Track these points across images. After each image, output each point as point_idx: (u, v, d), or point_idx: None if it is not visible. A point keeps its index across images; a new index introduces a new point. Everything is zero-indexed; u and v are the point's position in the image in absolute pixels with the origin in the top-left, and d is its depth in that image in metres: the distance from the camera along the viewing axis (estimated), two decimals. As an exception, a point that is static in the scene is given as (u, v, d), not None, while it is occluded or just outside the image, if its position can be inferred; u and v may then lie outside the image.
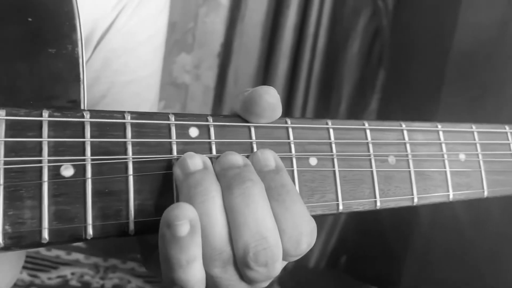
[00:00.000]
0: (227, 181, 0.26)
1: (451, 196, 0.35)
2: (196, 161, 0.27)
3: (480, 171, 0.37)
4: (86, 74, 0.47)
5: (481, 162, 0.37)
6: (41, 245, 0.25)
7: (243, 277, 0.27)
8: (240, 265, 0.26)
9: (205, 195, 0.25)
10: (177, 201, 0.27)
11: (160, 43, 0.54)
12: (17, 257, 0.52)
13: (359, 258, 1.44)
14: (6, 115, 0.25)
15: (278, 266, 0.27)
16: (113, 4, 0.46)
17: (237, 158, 0.28)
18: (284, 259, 0.27)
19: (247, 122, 0.30)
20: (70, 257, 1.29)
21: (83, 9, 0.30)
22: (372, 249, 1.35)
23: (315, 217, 0.30)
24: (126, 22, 0.48)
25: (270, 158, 0.29)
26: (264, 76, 1.50)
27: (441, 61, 1.10)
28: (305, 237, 0.27)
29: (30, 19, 0.28)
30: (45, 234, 0.25)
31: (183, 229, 0.24)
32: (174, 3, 0.56)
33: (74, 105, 0.28)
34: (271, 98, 0.29)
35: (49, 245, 0.25)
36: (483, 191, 0.37)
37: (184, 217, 0.24)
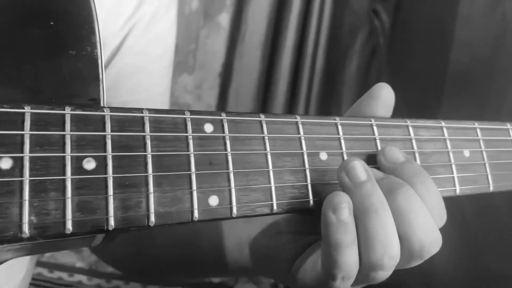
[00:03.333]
0: (387, 186, 0.30)
1: (458, 191, 0.36)
2: (362, 170, 0.30)
3: (485, 166, 0.38)
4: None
5: (486, 158, 0.38)
6: (64, 235, 0.25)
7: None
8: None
9: (379, 206, 0.29)
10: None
11: (169, 61, 0.56)
12: (25, 271, 0.52)
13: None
14: (31, 110, 0.26)
15: None
16: (121, 24, 0.48)
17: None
18: None
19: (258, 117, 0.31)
20: (73, 279, 1.28)
21: None
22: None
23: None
24: (137, 41, 0.49)
25: (397, 152, 0.34)
26: (265, 95, 1.52)
27: (438, 78, 1.12)
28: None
29: (52, 23, 0.29)
30: (69, 225, 0.25)
31: (345, 212, 0.28)
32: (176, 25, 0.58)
33: (94, 103, 0.29)
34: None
35: (72, 235, 0.26)
36: (489, 186, 0.38)
37: (344, 202, 0.29)
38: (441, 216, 0.32)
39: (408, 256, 0.30)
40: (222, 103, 1.50)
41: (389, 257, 0.29)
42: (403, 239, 0.29)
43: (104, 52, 0.47)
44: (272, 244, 0.39)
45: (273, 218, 0.41)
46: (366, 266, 0.29)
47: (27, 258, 0.48)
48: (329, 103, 1.52)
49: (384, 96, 0.36)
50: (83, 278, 1.27)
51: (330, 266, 0.30)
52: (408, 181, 0.31)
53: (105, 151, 0.27)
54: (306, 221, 0.36)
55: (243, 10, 1.45)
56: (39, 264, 1.26)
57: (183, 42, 1.46)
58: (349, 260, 0.29)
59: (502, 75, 0.97)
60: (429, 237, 0.29)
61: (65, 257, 1.31)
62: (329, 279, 0.30)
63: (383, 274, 0.30)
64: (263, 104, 1.51)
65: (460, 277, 0.91)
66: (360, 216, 0.29)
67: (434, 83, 1.14)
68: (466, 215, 0.88)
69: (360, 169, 0.30)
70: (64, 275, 1.27)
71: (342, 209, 0.28)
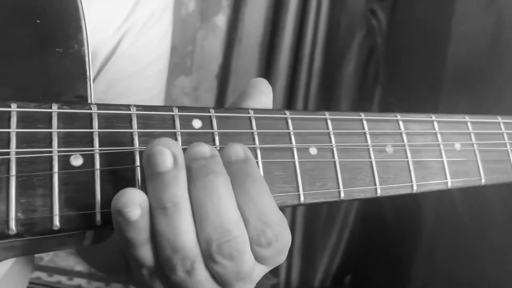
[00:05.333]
0: (191, 173, 0.26)
1: (449, 184, 0.36)
2: (166, 159, 0.26)
3: (476, 159, 0.38)
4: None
5: (477, 151, 0.38)
6: (52, 231, 0.25)
7: (214, 277, 0.27)
8: (206, 260, 0.26)
9: (170, 205, 0.25)
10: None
11: (164, 66, 0.55)
12: (22, 278, 0.52)
13: (363, 276, 1.43)
14: (18, 108, 0.26)
15: (247, 258, 0.26)
16: (114, 28, 0.48)
17: (204, 149, 0.27)
18: (253, 250, 0.27)
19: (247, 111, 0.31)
20: (72, 282, 1.28)
21: None
22: (376, 266, 1.34)
23: (319, 206, 0.30)
24: (130, 46, 0.49)
25: (239, 149, 0.28)
26: (262, 96, 1.52)
27: (436, 75, 1.12)
28: (270, 227, 0.27)
29: (38, 21, 0.29)
30: (56, 221, 0.25)
31: (135, 213, 0.25)
32: (172, 28, 0.58)
33: (81, 100, 0.29)
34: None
35: (60, 232, 0.26)
36: (481, 179, 0.38)
37: (132, 203, 0.25)
38: (259, 234, 0.27)
39: (204, 256, 0.26)
40: (220, 105, 1.50)
41: (181, 257, 0.25)
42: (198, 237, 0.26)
43: (97, 58, 0.47)
44: None
45: None
46: (162, 263, 0.26)
47: (22, 266, 0.48)
48: (327, 104, 1.52)
49: (260, 92, 0.32)
50: (82, 281, 1.27)
51: (130, 261, 0.28)
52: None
53: (92, 147, 0.27)
54: None
55: (240, 11, 1.45)
56: (38, 268, 1.26)
57: (180, 44, 1.46)
58: (145, 256, 0.26)
59: (499, 71, 0.97)
60: (219, 235, 0.25)
61: (64, 260, 1.31)
62: (138, 274, 0.28)
63: (182, 276, 0.26)
64: (261, 105, 1.51)
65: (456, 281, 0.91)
66: (152, 213, 0.25)
67: (432, 81, 1.15)
68: (461, 219, 0.88)
69: (163, 156, 0.25)
70: (63, 279, 1.27)
71: (129, 212, 0.25)
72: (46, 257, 1.26)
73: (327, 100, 1.53)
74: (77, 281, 1.28)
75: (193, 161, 0.26)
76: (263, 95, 0.32)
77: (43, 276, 1.25)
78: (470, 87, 1.03)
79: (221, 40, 1.49)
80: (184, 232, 0.25)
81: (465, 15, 1.07)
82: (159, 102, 0.56)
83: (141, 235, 0.25)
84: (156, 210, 0.25)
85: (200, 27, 1.48)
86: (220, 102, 1.50)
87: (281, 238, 0.27)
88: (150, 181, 0.26)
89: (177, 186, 0.25)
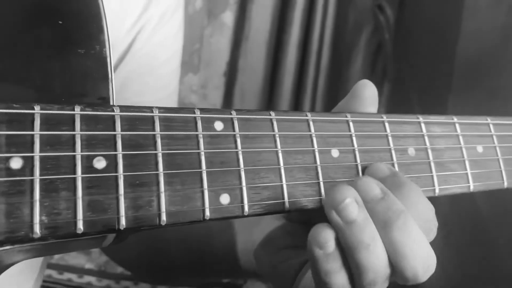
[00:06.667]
0: (381, 217, 0.29)
1: (471, 187, 0.36)
2: (353, 208, 0.28)
3: (499, 162, 0.38)
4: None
5: (499, 154, 0.38)
6: (76, 235, 0.25)
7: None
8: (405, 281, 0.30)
9: (370, 242, 0.28)
10: None
11: (177, 65, 0.55)
12: (36, 276, 0.52)
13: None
14: (41, 110, 0.25)
15: None
16: (128, 27, 0.48)
17: (374, 188, 0.30)
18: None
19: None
20: (82, 280, 1.28)
21: None
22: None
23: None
24: (144, 44, 0.49)
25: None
26: (270, 93, 1.52)
27: (445, 71, 1.11)
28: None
29: (60, 22, 0.29)
30: (80, 225, 0.25)
31: (331, 246, 0.28)
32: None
33: (103, 102, 0.29)
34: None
35: (83, 235, 0.25)
36: (503, 182, 0.37)
37: (330, 239, 0.28)
38: (430, 230, 0.32)
39: (402, 280, 0.30)
40: (227, 102, 1.50)
41: (382, 280, 0.29)
42: (396, 268, 0.29)
43: (112, 55, 0.47)
44: (274, 261, 0.39)
45: (272, 226, 0.41)
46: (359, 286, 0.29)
47: (38, 263, 0.48)
48: (335, 100, 1.51)
49: (368, 94, 0.35)
50: (92, 279, 1.27)
51: None
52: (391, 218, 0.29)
53: (115, 150, 0.27)
54: (305, 233, 0.34)
55: (247, 8, 1.45)
56: (48, 266, 1.26)
57: (187, 41, 1.45)
58: (340, 282, 0.29)
59: (510, 66, 0.96)
60: (424, 265, 0.29)
61: (74, 258, 1.31)
62: None
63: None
64: (269, 102, 1.51)
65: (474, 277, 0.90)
66: (349, 251, 0.28)
67: (441, 77, 1.14)
68: (482, 216, 0.87)
69: (352, 207, 0.28)
70: (73, 277, 1.27)
71: (329, 247, 0.28)
72: (56, 255, 1.27)
73: (335, 96, 1.52)
74: (87, 278, 1.29)
75: (377, 204, 0.29)
76: (371, 95, 0.35)
77: (53, 274, 1.25)
78: (480, 82, 1.02)
79: (228, 37, 1.48)
80: (383, 260, 0.28)
81: (475, 9, 1.06)
82: (173, 101, 0.56)
83: (336, 264, 0.28)
84: (357, 249, 0.28)
85: (207, 24, 1.48)
86: (228, 100, 1.50)
87: None
88: (345, 229, 0.28)
89: (371, 224, 0.28)
